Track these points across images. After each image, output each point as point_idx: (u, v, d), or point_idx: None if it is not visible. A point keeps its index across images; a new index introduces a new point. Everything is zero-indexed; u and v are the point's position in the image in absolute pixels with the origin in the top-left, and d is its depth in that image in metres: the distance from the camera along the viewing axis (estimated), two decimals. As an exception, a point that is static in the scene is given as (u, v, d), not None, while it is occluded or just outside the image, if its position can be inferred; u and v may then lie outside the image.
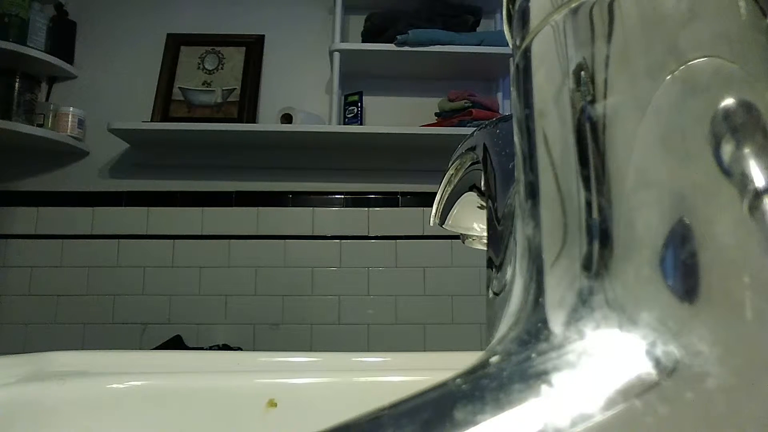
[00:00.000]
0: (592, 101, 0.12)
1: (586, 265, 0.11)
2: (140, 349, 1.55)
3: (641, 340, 0.10)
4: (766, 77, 0.10)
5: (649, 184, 0.11)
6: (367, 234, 1.72)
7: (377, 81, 1.77)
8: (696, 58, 0.11)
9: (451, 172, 0.34)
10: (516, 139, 0.15)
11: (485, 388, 0.09)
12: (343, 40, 1.68)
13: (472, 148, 0.31)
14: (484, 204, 0.31)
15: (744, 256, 0.09)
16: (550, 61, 0.13)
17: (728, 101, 0.10)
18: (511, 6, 0.16)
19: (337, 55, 1.62)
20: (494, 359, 0.11)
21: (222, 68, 1.74)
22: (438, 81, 1.78)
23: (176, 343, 1.55)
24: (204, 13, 1.81)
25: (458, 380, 0.10)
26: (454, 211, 0.36)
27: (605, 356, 0.10)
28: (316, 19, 1.82)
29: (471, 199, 0.34)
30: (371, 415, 0.09)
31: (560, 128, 0.13)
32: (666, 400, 0.09)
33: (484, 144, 0.30)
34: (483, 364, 0.10)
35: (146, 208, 1.70)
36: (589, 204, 0.11)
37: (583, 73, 0.12)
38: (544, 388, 0.09)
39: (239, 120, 1.66)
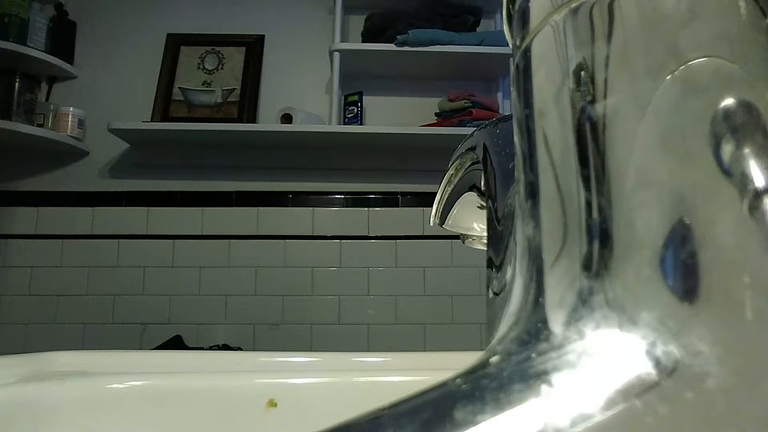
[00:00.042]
0: (592, 101, 0.12)
1: (586, 265, 0.11)
2: (140, 349, 1.55)
3: (641, 340, 0.10)
4: (766, 77, 0.10)
5: (649, 184, 0.11)
6: (367, 234, 1.72)
7: (377, 81, 1.77)
8: (696, 58, 0.11)
9: (451, 172, 0.34)
10: (516, 139, 0.15)
11: (485, 388, 0.09)
12: (343, 40, 1.68)
13: (472, 148, 0.31)
14: (484, 204, 0.31)
15: (744, 256, 0.09)
16: (550, 61, 0.13)
17: (728, 101, 0.10)
18: (511, 6, 0.16)
19: (337, 55, 1.62)
20: (494, 359, 0.11)
21: (222, 68, 1.74)
22: (438, 81, 1.78)
23: (176, 343, 1.55)
24: (204, 13, 1.81)
25: (458, 380, 0.10)
26: (454, 211, 0.36)
27: (605, 356, 0.10)
28: (316, 19, 1.82)
29: (471, 199, 0.34)
30: (371, 415, 0.09)
31: (560, 128, 0.13)
32: (666, 400, 0.09)
33: (484, 144, 0.30)
34: (483, 364, 0.10)
35: (146, 208, 1.70)
36: (589, 204, 0.11)
37: (583, 73, 0.12)
38: (544, 388, 0.09)
39: (239, 120, 1.66)
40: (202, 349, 1.52)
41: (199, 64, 1.74)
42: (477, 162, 0.31)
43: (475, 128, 0.32)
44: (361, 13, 1.75)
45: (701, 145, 0.10)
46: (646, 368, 0.09)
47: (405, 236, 1.71)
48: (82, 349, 0.35)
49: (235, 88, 1.71)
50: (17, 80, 1.60)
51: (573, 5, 0.13)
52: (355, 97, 1.71)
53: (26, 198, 1.69)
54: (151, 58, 1.75)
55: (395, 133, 1.58)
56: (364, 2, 1.73)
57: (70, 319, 1.63)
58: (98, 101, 1.73)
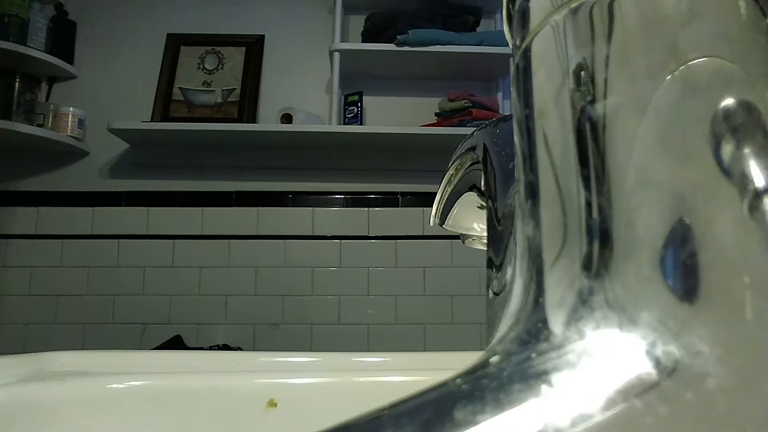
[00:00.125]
0: (592, 101, 0.12)
1: (586, 265, 0.11)
2: (140, 349, 1.55)
3: (641, 340, 0.10)
4: (766, 77, 0.10)
5: (649, 184, 0.11)
6: (367, 234, 1.72)
7: (377, 81, 1.77)
8: (696, 58, 0.11)
9: (451, 172, 0.34)
10: (516, 139, 0.15)
11: (485, 388, 0.09)
12: (343, 40, 1.68)
13: (472, 148, 0.31)
14: (484, 204, 0.31)
15: (744, 256, 0.09)
16: (550, 61, 0.13)
17: (728, 101, 0.10)
18: (511, 6, 0.16)
19: (337, 55, 1.62)
20: (494, 359, 0.11)
21: (222, 68, 1.74)
22: (438, 81, 1.78)
23: (176, 343, 1.55)
24: (204, 13, 1.81)
25: (458, 380, 0.10)
26: (454, 211, 0.36)
27: (605, 356, 0.10)
28: (316, 19, 1.82)
29: (471, 199, 0.34)
30: (371, 415, 0.09)
31: (560, 128, 0.13)
32: (666, 400, 0.09)
33: (484, 144, 0.30)
34: (483, 364, 0.10)
35: (146, 208, 1.70)
36: (589, 204, 0.11)
37: (583, 73, 0.12)
38: (544, 388, 0.09)
39: (239, 120, 1.66)
40: (202, 349, 1.52)
41: (199, 64, 1.74)
42: (477, 162, 0.31)
43: (475, 128, 0.32)
44: (361, 13, 1.75)
45: (701, 145, 0.10)
46: (646, 368, 0.09)
47: (405, 236, 1.71)
48: (82, 349, 0.35)
49: (235, 88, 1.71)
50: (17, 80, 1.60)
51: (573, 5, 0.13)
52: (355, 97, 1.71)
53: (26, 198, 1.69)
54: (151, 58, 1.75)
55: (395, 133, 1.58)
56: (364, 2, 1.73)
57: (70, 319, 1.63)
58: (98, 101, 1.73)
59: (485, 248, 0.30)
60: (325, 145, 1.69)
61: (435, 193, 0.36)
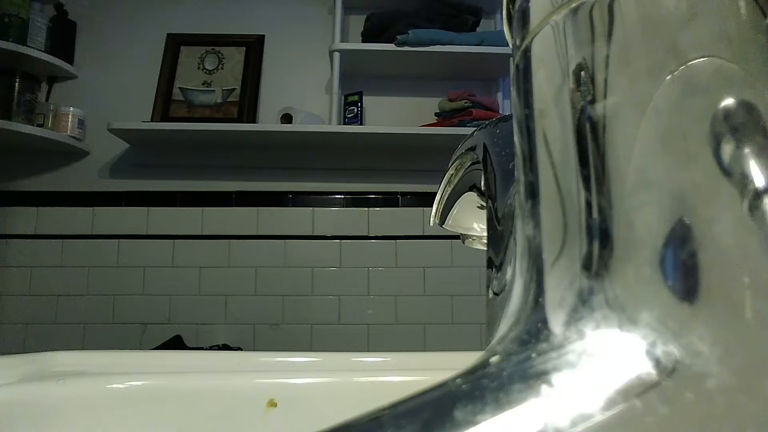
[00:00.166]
0: (592, 101, 0.12)
1: (586, 265, 0.11)
2: (140, 349, 1.55)
3: (641, 340, 0.10)
4: (766, 77, 0.10)
5: (649, 184, 0.11)
6: (367, 234, 1.72)
7: (377, 81, 1.77)
8: (696, 58, 0.11)
9: (451, 172, 0.34)
10: (516, 139, 0.15)
11: (485, 388, 0.09)
12: (343, 40, 1.68)
13: (472, 148, 0.31)
14: (484, 204, 0.31)
15: (744, 256, 0.09)
16: (550, 61, 0.13)
17: (728, 101, 0.10)
18: (511, 6, 0.16)
19: (337, 55, 1.62)
20: (494, 359, 0.11)
21: (222, 68, 1.74)
22: (438, 81, 1.78)
23: (176, 343, 1.55)
24: (204, 13, 1.81)
25: (458, 380, 0.10)
26: (454, 211, 0.36)
27: (605, 356, 0.10)
28: (316, 19, 1.82)
29: (471, 199, 0.34)
30: (371, 415, 0.09)
31: (560, 128, 0.13)
32: (666, 400, 0.09)
33: (484, 144, 0.30)
34: (483, 364, 0.10)
35: (146, 208, 1.70)
36: (589, 204, 0.11)
37: (583, 73, 0.12)
38: (544, 388, 0.09)
39: (239, 120, 1.67)
40: (202, 349, 1.52)
41: (199, 64, 1.74)
42: (477, 162, 0.31)
43: (475, 128, 0.32)
44: (361, 13, 1.75)
45: (701, 145, 0.10)
46: (646, 368, 0.09)
47: (405, 236, 1.71)
48: (82, 349, 0.35)
49: (235, 88, 1.71)
50: (17, 80, 1.60)
51: (573, 5, 0.13)
52: (355, 97, 1.71)
53: (26, 198, 1.69)
54: (151, 58, 1.75)
55: (395, 133, 1.58)
56: (364, 2, 1.73)
57: (70, 319, 1.63)
58: (98, 101, 1.73)
59: (485, 248, 0.30)
60: (325, 145, 1.69)
61: (435, 193, 0.36)
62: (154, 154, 1.71)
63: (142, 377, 0.29)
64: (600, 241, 0.11)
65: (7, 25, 1.57)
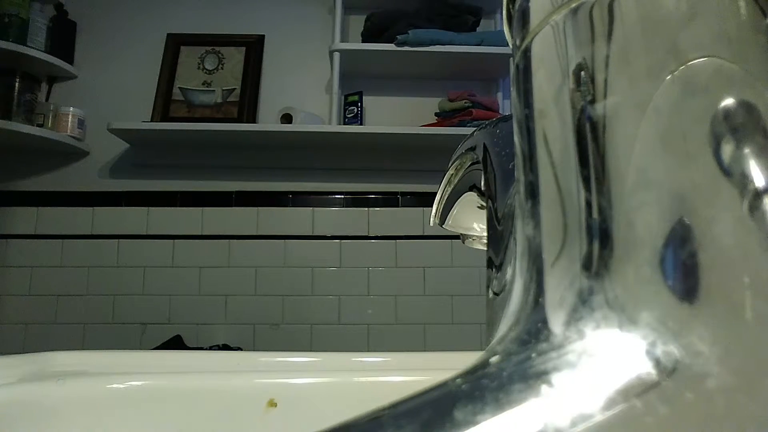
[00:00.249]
0: (592, 101, 0.12)
1: (586, 265, 0.11)
2: (140, 349, 1.55)
3: (641, 340, 0.10)
4: (766, 77, 0.10)
5: (649, 184, 0.11)
6: (367, 234, 1.72)
7: (377, 81, 1.77)
8: (696, 58, 0.11)
9: (451, 172, 0.34)
10: (516, 139, 0.15)
11: (485, 388, 0.09)
12: (343, 40, 1.68)
13: (472, 148, 0.31)
14: (484, 204, 0.31)
15: (744, 256, 0.09)
16: (550, 61, 0.13)
17: (728, 101, 0.10)
18: (511, 6, 0.16)
19: (337, 55, 1.62)
20: (494, 359, 0.11)
21: (222, 68, 1.74)
22: (438, 81, 1.78)
23: (176, 343, 1.55)
24: (204, 13, 1.81)
25: (458, 380, 0.10)
26: (454, 211, 0.36)
27: (605, 356, 0.10)
28: (316, 19, 1.82)
29: (471, 199, 0.34)
30: (371, 415, 0.09)
31: (560, 128, 0.13)
32: (666, 400, 0.09)
33: (484, 144, 0.30)
34: (483, 364, 0.10)
35: (146, 208, 1.70)
36: (589, 204, 0.11)
37: (583, 73, 0.12)
38: (544, 388, 0.09)
39: (239, 120, 1.66)
40: (202, 349, 1.52)
41: (199, 64, 1.74)
42: (477, 162, 0.31)
43: (475, 128, 0.32)
44: (361, 13, 1.75)
45: (701, 145, 0.10)
46: (646, 368, 0.09)
47: (405, 236, 1.71)
48: (82, 349, 0.35)
49: (235, 88, 1.71)
50: (17, 80, 1.60)
51: (573, 5, 0.13)
52: (355, 97, 1.71)
53: (26, 198, 1.69)
54: (151, 58, 1.75)
55: (395, 133, 1.58)
56: (364, 2, 1.73)
57: (70, 319, 1.63)
58: (98, 101, 1.73)
59: (485, 248, 0.30)
60: (325, 145, 1.69)
61: (435, 193, 0.36)
62: (154, 154, 1.71)
63: (142, 377, 0.29)
64: (600, 241, 0.11)
65: (7, 25, 1.57)
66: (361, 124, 1.69)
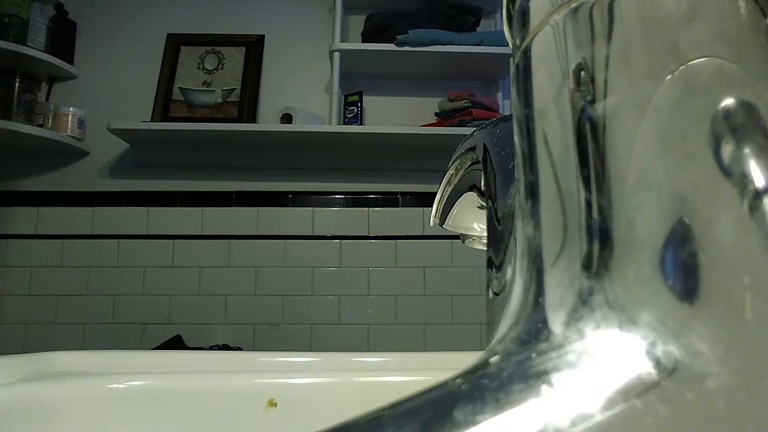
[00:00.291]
0: (592, 101, 0.12)
1: (586, 265, 0.11)
2: (140, 349, 1.55)
3: (641, 340, 0.10)
4: (766, 77, 0.10)
5: (649, 184, 0.11)
6: (367, 234, 1.72)
7: (377, 81, 1.77)
8: (696, 58, 0.11)
9: (451, 172, 0.34)
10: (516, 139, 0.15)
11: (485, 388, 0.09)
12: (343, 40, 1.68)
13: (472, 148, 0.31)
14: (484, 204, 0.31)
15: (744, 256, 0.09)
16: (550, 61, 0.13)
17: (728, 101, 0.10)
18: (511, 6, 0.16)
19: (337, 55, 1.62)
20: (494, 359, 0.11)
21: (222, 68, 1.74)
22: (438, 81, 1.78)
23: (176, 343, 1.55)
24: (204, 13, 1.81)
25: (458, 380, 0.10)
26: (454, 211, 0.36)
27: (605, 356, 0.10)
28: (316, 19, 1.82)
29: (471, 199, 0.34)
30: (371, 415, 0.09)
31: (560, 128, 0.13)
32: (666, 400, 0.09)
33: (484, 144, 0.30)
34: (483, 364, 0.10)
35: (146, 208, 1.70)
36: (589, 204, 0.11)
37: (583, 73, 0.12)
38: (544, 388, 0.09)
39: (239, 120, 1.66)
40: (202, 349, 1.52)
41: (199, 64, 1.74)
42: (477, 162, 0.31)
43: (475, 128, 0.32)
44: (361, 13, 1.75)
45: (701, 145, 0.10)
46: (646, 368, 0.09)
47: (405, 236, 1.71)
48: (82, 349, 0.35)
49: (235, 88, 1.71)
50: (17, 80, 1.60)
51: (573, 5, 0.13)
52: (355, 97, 1.71)
53: (26, 198, 1.69)
54: (151, 58, 1.75)
55: (395, 133, 1.58)
56: (364, 2, 1.73)
57: (70, 319, 1.63)
58: (98, 101, 1.73)
59: (485, 248, 0.30)
60: (325, 145, 1.69)
61: (435, 193, 0.36)
62: (154, 154, 1.71)
63: (142, 377, 0.29)
64: (600, 241, 0.11)
65: (7, 25, 1.57)
66: (361, 124, 1.69)
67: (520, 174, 0.14)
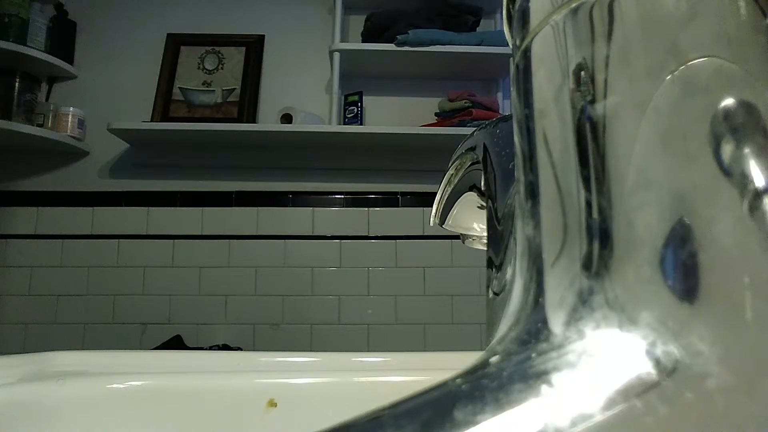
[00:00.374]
0: (592, 101, 0.12)
1: (586, 265, 0.11)
2: (140, 349, 1.55)
3: (641, 340, 0.10)
4: (766, 77, 0.10)
5: (649, 184, 0.11)
6: (367, 234, 1.72)
7: (377, 81, 1.77)
8: (696, 58, 0.11)
9: (451, 172, 0.34)
10: (516, 139, 0.15)
11: (485, 388, 0.09)
12: (343, 40, 1.68)
13: (472, 148, 0.31)
14: (484, 204, 0.31)
15: (744, 256, 0.09)
16: (550, 61, 0.13)
17: (728, 101, 0.10)
18: (511, 6, 0.16)
19: (337, 55, 1.62)
20: (494, 359, 0.11)
21: (222, 68, 1.74)
22: (438, 81, 1.78)
23: (176, 343, 1.55)
24: (204, 13, 1.81)
25: (458, 380, 0.10)
26: (454, 211, 0.36)
27: (605, 356, 0.10)
28: (316, 19, 1.82)
29: (471, 199, 0.34)
30: (371, 415, 0.09)
31: (560, 128, 0.13)
32: (666, 400, 0.09)
33: (484, 144, 0.30)
34: (483, 364, 0.10)
35: (146, 208, 1.70)
36: (589, 204, 0.11)
37: (583, 73, 0.12)
38: (544, 388, 0.09)
39: (239, 120, 1.66)
40: (202, 349, 1.52)
41: (199, 64, 1.74)
42: (477, 162, 0.31)
43: (475, 128, 0.32)
44: (361, 13, 1.75)
45: (701, 145, 0.10)
46: (646, 368, 0.09)
47: (405, 236, 1.71)
48: (82, 349, 0.35)
49: (235, 88, 1.71)
50: (17, 80, 1.60)
51: (573, 5, 0.13)
52: (355, 97, 1.71)
53: (26, 198, 1.69)
54: (151, 58, 1.75)
55: (395, 133, 1.58)
56: (364, 2, 1.73)
57: (70, 319, 1.63)
58: (98, 101, 1.73)
59: (485, 248, 0.30)
60: (325, 145, 1.69)
61: (435, 193, 0.36)
62: (154, 154, 1.71)
63: (142, 377, 0.29)
64: (600, 241, 0.11)
65: (7, 25, 1.57)
66: (361, 124, 1.69)
67: (520, 174, 0.14)
